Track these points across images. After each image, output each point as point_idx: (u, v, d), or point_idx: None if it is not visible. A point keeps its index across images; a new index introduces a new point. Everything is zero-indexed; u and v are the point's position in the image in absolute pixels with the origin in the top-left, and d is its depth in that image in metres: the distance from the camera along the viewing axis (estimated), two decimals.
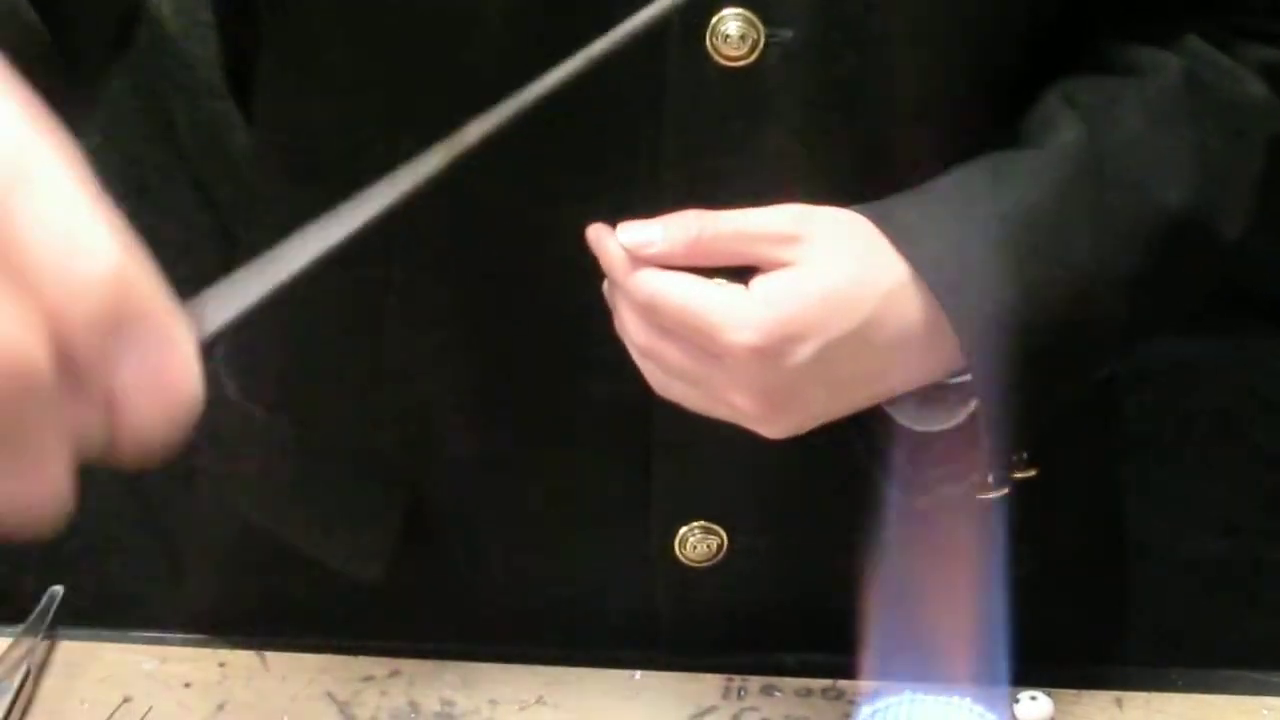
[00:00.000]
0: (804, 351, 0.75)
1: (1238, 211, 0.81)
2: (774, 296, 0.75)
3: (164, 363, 0.43)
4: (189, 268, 1.46)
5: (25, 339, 0.40)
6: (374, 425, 0.89)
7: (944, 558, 0.77)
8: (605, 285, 0.80)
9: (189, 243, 1.36)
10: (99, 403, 0.43)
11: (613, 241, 0.77)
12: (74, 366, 0.42)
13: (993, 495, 0.80)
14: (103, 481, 1.35)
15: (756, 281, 0.76)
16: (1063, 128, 0.80)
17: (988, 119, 0.82)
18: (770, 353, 0.75)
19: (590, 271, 0.79)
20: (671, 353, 0.77)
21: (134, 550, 1.37)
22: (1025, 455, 0.82)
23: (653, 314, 0.76)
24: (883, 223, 0.77)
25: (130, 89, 1.34)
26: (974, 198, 0.78)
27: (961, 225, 0.77)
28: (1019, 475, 0.82)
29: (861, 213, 0.77)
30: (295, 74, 0.86)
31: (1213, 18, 0.84)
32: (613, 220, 0.78)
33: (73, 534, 1.36)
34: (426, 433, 0.88)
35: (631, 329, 0.78)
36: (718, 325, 0.75)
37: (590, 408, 0.85)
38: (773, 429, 0.78)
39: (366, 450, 0.90)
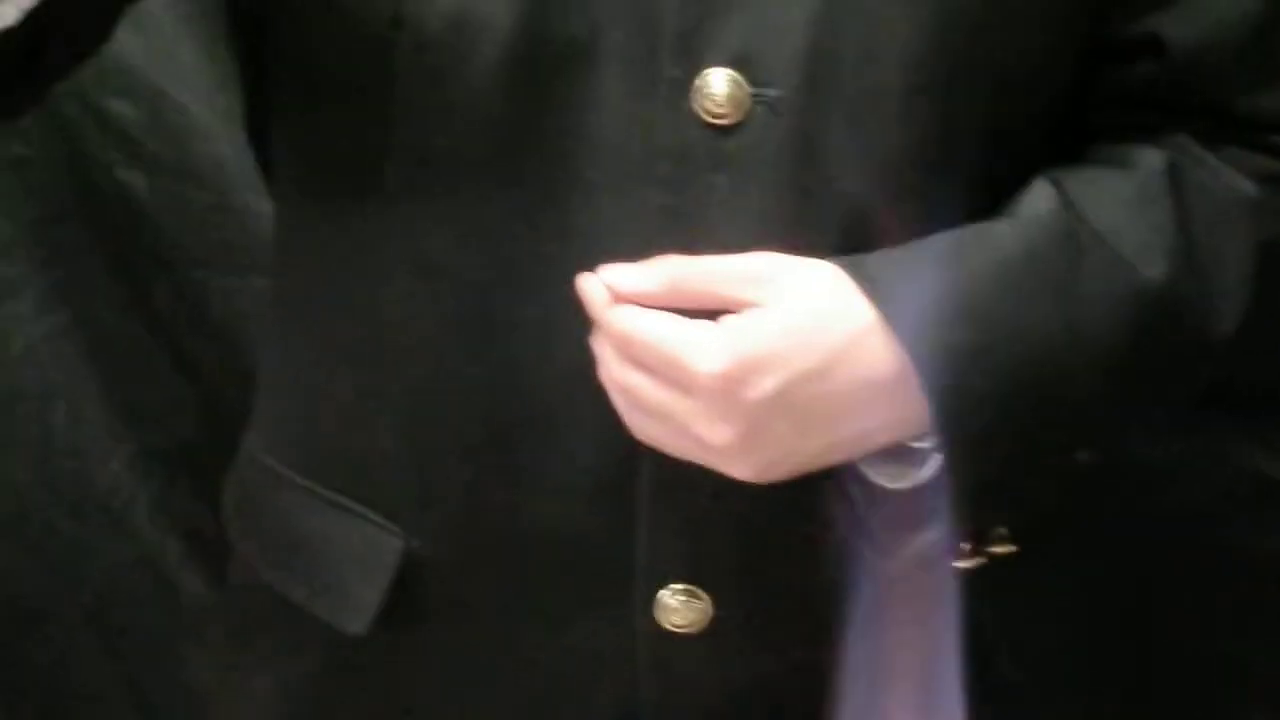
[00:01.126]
0: (767, 383, 0.77)
1: (1228, 304, 0.82)
2: (739, 329, 0.78)
3: None
4: (166, 437, 1.43)
5: None
6: (372, 466, 0.89)
7: (915, 634, 0.76)
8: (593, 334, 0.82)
9: (168, 412, 1.36)
10: None
11: (596, 283, 0.80)
12: None
13: (964, 564, 0.79)
14: (74, 632, 1.33)
15: (726, 318, 0.79)
16: (1040, 200, 0.82)
17: (971, 197, 0.83)
18: (734, 381, 0.77)
19: (582, 325, 0.81)
20: (644, 386, 0.80)
21: (104, 700, 1.35)
22: (1003, 530, 0.82)
23: (627, 347, 0.80)
24: (854, 271, 0.79)
25: (102, 266, 1.34)
26: (945, 256, 0.80)
27: (930, 279, 0.79)
28: (997, 550, 0.82)
29: (835, 263, 0.80)
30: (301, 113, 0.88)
31: (1208, 128, 0.85)
32: None
33: (40, 683, 1.34)
34: (420, 478, 0.88)
35: (609, 365, 0.81)
36: (685, 356, 0.78)
37: (578, 461, 0.85)
38: (741, 467, 0.80)
39: (364, 491, 0.89)
